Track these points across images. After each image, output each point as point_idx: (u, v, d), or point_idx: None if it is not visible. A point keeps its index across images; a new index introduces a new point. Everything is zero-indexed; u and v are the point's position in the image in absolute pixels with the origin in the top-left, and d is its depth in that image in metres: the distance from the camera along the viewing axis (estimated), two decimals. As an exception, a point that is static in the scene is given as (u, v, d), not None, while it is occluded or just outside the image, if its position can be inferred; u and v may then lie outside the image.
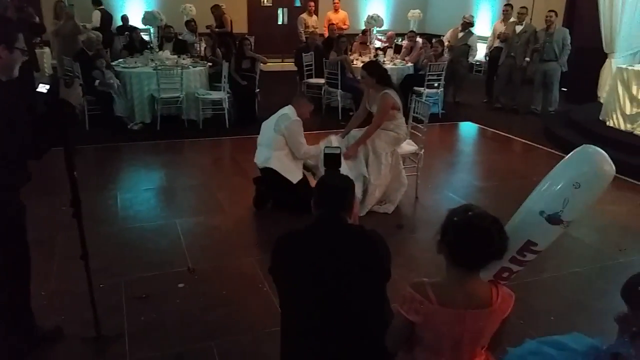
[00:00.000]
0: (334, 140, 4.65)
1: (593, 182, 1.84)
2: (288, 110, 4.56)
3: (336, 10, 11.61)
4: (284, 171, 4.45)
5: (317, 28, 11.11)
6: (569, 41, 8.38)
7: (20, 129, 2.28)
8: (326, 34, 10.58)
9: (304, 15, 11.39)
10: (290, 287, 1.99)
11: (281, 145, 4.47)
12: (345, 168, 4.36)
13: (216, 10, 10.44)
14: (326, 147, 2.55)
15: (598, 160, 1.84)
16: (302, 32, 10.95)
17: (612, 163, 1.85)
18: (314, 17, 11.57)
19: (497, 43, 9.31)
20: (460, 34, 9.45)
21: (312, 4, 11.96)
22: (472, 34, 9.50)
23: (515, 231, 1.84)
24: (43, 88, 2.38)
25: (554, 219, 1.82)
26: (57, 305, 3.19)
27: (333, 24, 10.54)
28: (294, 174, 4.50)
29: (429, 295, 1.65)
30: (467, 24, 9.47)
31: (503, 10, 9.49)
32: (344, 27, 10.97)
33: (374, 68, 4.74)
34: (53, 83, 2.41)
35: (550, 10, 8.57)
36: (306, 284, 1.93)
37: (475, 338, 1.69)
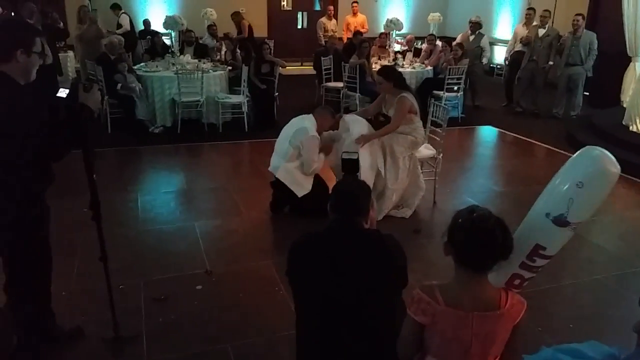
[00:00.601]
0: (348, 118, 4.66)
1: (596, 181, 1.82)
2: (308, 122, 4.52)
3: (355, 14, 11.64)
4: (290, 183, 4.47)
5: (336, 32, 11.15)
6: (595, 45, 8.24)
7: (37, 131, 2.33)
8: (345, 38, 10.61)
9: (324, 19, 11.43)
10: (305, 291, 2.01)
11: (293, 157, 4.49)
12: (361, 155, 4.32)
13: (236, 17, 10.60)
14: (344, 152, 2.57)
15: (602, 160, 1.83)
16: (322, 35, 11.00)
17: (617, 164, 1.83)
18: (334, 20, 11.61)
19: (518, 47, 9.22)
20: (472, 37, 9.39)
21: (332, 8, 12.01)
22: (483, 35, 9.43)
23: (523, 235, 1.86)
24: (63, 93, 2.44)
25: (560, 221, 1.81)
26: (77, 305, 3.25)
27: (358, 30, 10.55)
28: (301, 187, 4.48)
29: (437, 296, 1.67)
30: (476, 25, 9.40)
31: (526, 14, 9.37)
32: (362, 30, 10.97)
33: (390, 73, 4.73)
34: (72, 88, 2.46)
35: (577, 14, 8.43)
36: (320, 288, 1.94)
37: (484, 344, 1.68)
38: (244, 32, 10.34)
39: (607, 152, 1.86)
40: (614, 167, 1.82)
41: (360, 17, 11.68)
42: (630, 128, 6.92)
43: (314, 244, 2.04)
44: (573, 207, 1.79)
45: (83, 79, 8.08)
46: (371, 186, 4.43)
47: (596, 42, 8.25)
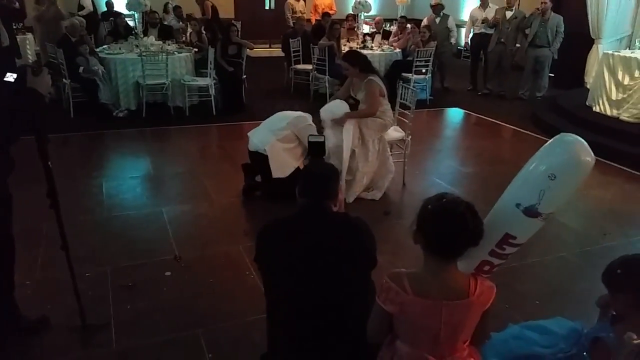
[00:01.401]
0: (339, 102, 4.68)
1: (569, 173, 1.72)
2: (307, 114, 4.69)
3: None
4: (272, 160, 4.42)
5: (304, 13, 11.04)
6: (562, 29, 8.38)
7: None
8: (313, 20, 10.52)
9: (292, 1, 11.29)
10: (275, 275, 1.99)
11: (286, 139, 4.48)
12: (330, 134, 4.47)
13: None
14: (310, 135, 2.55)
15: (575, 149, 1.71)
16: (290, 17, 10.88)
17: (591, 152, 1.72)
18: (302, 2, 11.50)
19: (477, 29, 9.28)
20: (437, 19, 9.42)
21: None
22: (448, 16, 9.47)
23: (493, 224, 1.80)
24: (10, 77, 2.32)
25: (530, 212, 1.73)
26: (42, 294, 3.16)
27: (327, 12, 10.49)
28: (281, 170, 4.45)
29: (405, 285, 1.64)
30: (439, 7, 9.43)
31: None
32: (330, 12, 10.89)
33: (354, 57, 4.70)
34: (20, 72, 2.35)
35: None
36: (290, 272, 1.92)
37: (454, 331, 1.67)
38: (207, 13, 10.16)
39: (580, 139, 1.74)
40: (588, 156, 1.70)
41: None
42: (594, 109, 7.08)
43: (282, 229, 2.02)
44: (544, 199, 1.70)
45: (43, 61, 7.80)
46: (346, 166, 4.46)
47: (563, 25, 8.37)
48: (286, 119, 4.56)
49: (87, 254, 3.54)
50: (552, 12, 8.42)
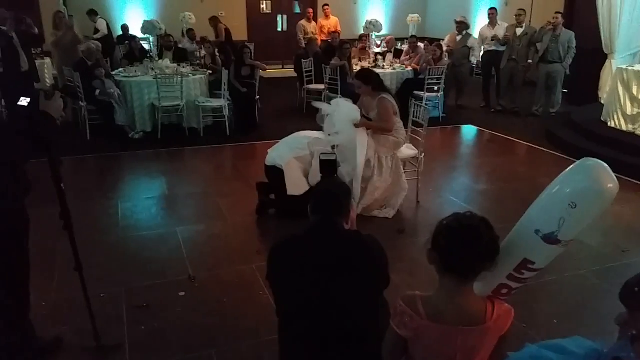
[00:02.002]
0: (352, 106, 4.68)
1: (591, 201, 1.61)
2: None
3: (327, 17, 11.80)
4: (288, 177, 4.43)
5: (316, 34, 11.19)
6: (574, 44, 8.36)
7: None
8: (319, 40, 10.71)
9: (303, 22, 11.47)
10: (286, 294, 1.98)
11: (304, 159, 4.51)
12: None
13: (213, 21, 10.61)
14: (322, 153, 2.55)
15: (597, 176, 1.61)
16: (302, 38, 11.01)
17: (614, 178, 1.61)
18: (313, 23, 11.67)
19: (487, 47, 9.30)
20: (459, 37, 9.44)
21: (311, 10, 12.04)
22: (471, 35, 9.50)
23: (511, 248, 1.75)
24: (24, 101, 2.38)
25: (550, 239, 1.65)
26: (57, 315, 3.18)
27: (335, 31, 10.66)
28: (295, 187, 4.45)
29: (419, 309, 1.61)
30: (462, 25, 9.44)
31: (489, 14, 9.46)
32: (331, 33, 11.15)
33: (367, 76, 4.75)
34: (34, 96, 2.41)
35: (557, 12, 8.58)
36: (302, 290, 1.92)
37: (469, 357, 1.63)
38: (220, 36, 10.36)
39: (603, 164, 1.64)
40: (610, 183, 1.60)
41: (333, 19, 11.86)
42: (609, 124, 7.01)
43: (294, 246, 2.02)
44: (565, 226, 1.62)
45: (61, 85, 7.95)
46: (360, 174, 4.46)
47: (574, 40, 8.36)
48: (307, 138, 4.59)
49: (102, 275, 3.56)
50: (564, 28, 8.42)
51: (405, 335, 1.63)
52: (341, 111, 4.57)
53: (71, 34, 8.18)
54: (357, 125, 4.52)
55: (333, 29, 11.25)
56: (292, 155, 4.49)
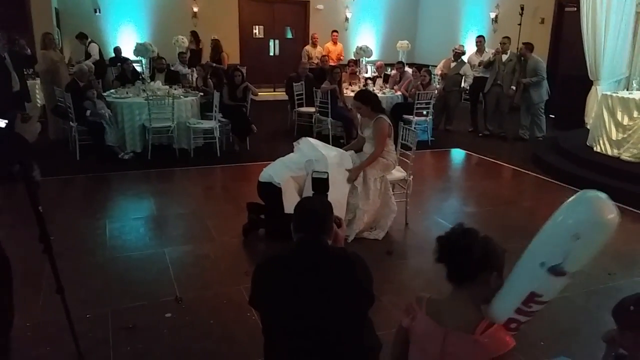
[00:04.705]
0: (345, 155, 4.75)
1: (594, 232, 1.63)
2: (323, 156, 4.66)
3: (335, 43, 12.15)
4: (285, 195, 4.42)
5: (320, 59, 11.40)
6: (541, 71, 8.67)
7: None
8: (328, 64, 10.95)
9: (308, 47, 11.79)
10: (272, 313, 1.98)
11: (299, 180, 4.51)
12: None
13: (215, 45, 10.75)
14: (314, 171, 2.58)
15: (598, 207, 1.63)
16: (306, 63, 11.17)
17: (614, 209, 1.63)
18: (319, 48, 11.97)
19: (475, 73, 9.54)
20: (453, 64, 9.62)
21: (317, 36, 12.26)
22: (465, 62, 9.69)
23: (517, 283, 1.77)
24: (2, 122, 2.40)
25: (555, 271, 1.66)
26: (42, 337, 3.13)
27: (326, 55, 10.89)
28: (292, 206, 4.42)
29: (422, 305, 1.79)
30: (459, 54, 9.68)
31: (476, 42, 9.76)
32: (332, 61, 11.38)
33: (367, 97, 4.81)
34: (11, 118, 2.44)
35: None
36: (286, 309, 1.92)
37: None
38: (224, 63, 10.54)
39: (602, 195, 1.67)
40: (611, 212, 1.63)
41: (339, 46, 12.35)
42: (594, 149, 7.13)
43: (278, 264, 2.02)
44: (569, 258, 1.64)
45: (48, 107, 7.93)
46: (345, 204, 4.47)
47: (542, 68, 8.67)
48: (304, 157, 4.60)
49: (88, 296, 3.53)
50: (533, 55, 8.76)
51: (405, 324, 1.81)
52: (334, 163, 4.54)
53: (53, 54, 8.17)
54: (354, 175, 4.57)
55: (339, 55, 11.68)
56: (291, 174, 4.50)
